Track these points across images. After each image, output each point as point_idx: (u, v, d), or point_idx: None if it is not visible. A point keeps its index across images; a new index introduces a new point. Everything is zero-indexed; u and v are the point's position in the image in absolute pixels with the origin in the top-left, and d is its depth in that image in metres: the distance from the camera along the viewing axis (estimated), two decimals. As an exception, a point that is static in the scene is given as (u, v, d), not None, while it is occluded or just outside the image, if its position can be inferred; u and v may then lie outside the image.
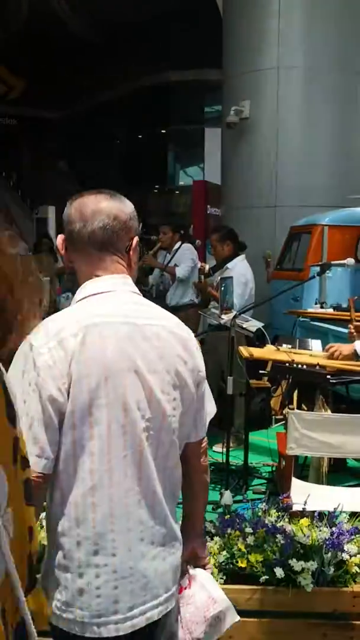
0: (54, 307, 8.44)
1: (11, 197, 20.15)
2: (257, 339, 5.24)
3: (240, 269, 5.14)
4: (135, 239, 1.62)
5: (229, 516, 2.74)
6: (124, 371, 1.45)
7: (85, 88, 21.75)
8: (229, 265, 5.19)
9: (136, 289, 1.60)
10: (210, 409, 1.72)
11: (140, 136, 22.20)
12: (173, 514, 1.55)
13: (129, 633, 1.44)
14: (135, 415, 1.46)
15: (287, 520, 2.63)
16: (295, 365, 3.64)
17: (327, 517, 2.62)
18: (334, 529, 2.51)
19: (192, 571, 1.67)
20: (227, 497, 3.88)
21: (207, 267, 5.48)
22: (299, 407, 3.92)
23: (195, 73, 18.82)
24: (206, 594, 1.64)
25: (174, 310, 6.05)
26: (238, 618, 1.71)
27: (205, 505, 1.80)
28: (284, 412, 4.41)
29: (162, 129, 21.02)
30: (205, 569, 1.72)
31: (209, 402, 1.71)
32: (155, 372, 1.49)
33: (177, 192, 21.94)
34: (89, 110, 22.60)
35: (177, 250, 5.86)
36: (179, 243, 5.99)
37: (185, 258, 5.94)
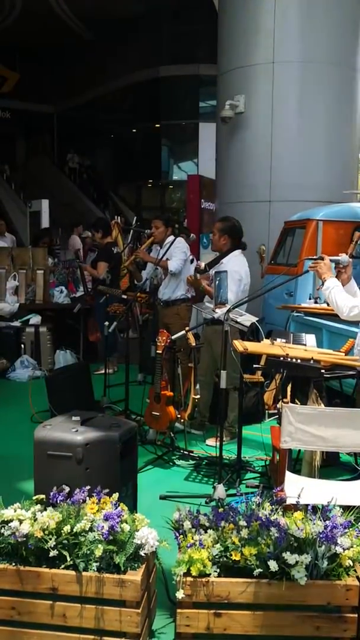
0: (48, 299, 8.44)
1: (4, 190, 20.06)
2: (252, 334, 5.24)
3: (234, 265, 5.06)
4: None
5: (222, 509, 2.73)
6: None
7: (80, 82, 21.67)
8: (223, 260, 5.17)
9: None
10: None
11: (134, 130, 22.11)
12: None
13: None
14: None
15: (280, 513, 2.63)
16: (289, 359, 3.63)
17: (320, 511, 2.62)
18: (327, 522, 2.51)
19: None
20: (221, 490, 3.89)
21: (202, 264, 5.45)
22: (293, 402, 3.92)
23: (190, 67, 18.75)
24: None
25: (167, 304, 6.05)
26: None
27: None
28: (277, 406, 4.42)
29: (156, 123, 20.93)
30: None
31: None
32: None
33: (170, 186, 21.89)
34: (83, 105, 22.52)
35: (169, 244, 5.84)
36: (171, 237, 5.96)
37: (177, 252, 5.92)
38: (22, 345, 7.75)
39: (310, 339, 4.38)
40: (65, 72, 21.73)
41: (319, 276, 3.68)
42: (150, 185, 22.69)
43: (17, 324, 7.88)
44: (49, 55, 20.70)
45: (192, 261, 6.29)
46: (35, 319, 7.97)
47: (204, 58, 16.65)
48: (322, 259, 3.63)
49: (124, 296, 6.33)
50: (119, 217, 9.85)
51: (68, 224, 14.00)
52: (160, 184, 21.95)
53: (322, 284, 3.67)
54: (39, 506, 2.66)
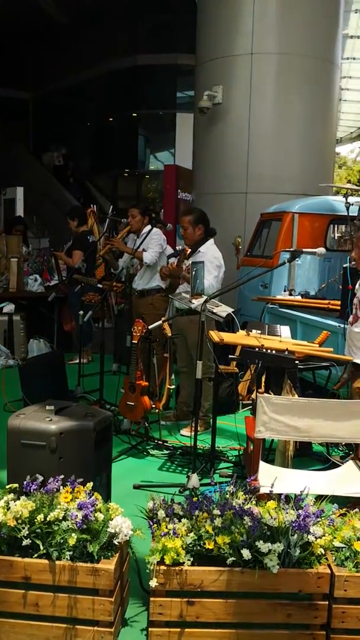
0: (22, 288, 8.35)
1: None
2: (226, 325, 5.25)
3: (213, 252, 5.17)
4: None
5: (196, 498, 2.74)
6: None
7: (57, 69, 21.39)
8: (201, 249, 5.17)
9: None
10: None
11: (111, 119, 21.92)
12: None
13: None
14: None
15: (254, 502, 2.65)
16: (265, 350, 3.66)
17: (293, 500, 2.64)
18: (300, 511, 2.54)
19: None
20: (194, 480, 3.90)
21: (189, 251, 5.41)
22: (267, 392, 3.95)
23: (168, 57, 18.62)
24: None
25: (141, 295, 6.03)
26: None
27: None
28: (252, 396, 4.44)
29: (133, 112, 20.78)
30: None
31: None
32: None
33: (147, 176, 21.79)
34: (59, 92, 22.25)
35: (146, 234, 5.80)
36: (148, 227, 5.91)
37: (153, 243, 5.87)
38: (-5, 334, 7.68)
39: (284, 330, 4.41)
40: (42, 59, 21.44)
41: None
42: (126, 174, 22.54)
43: (-10, 312, 7.80)
44: (24, 41, 20.40)
45: (169, 257, 6.21)
46: (8, 307, 7.89)
47: (183, 47, 16.54)
48: (297, 252, 3.64)
49: (100, 285, 6.29)
50: (94, 206, 9.76)
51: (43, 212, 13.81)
52: (137, 174, 21.81)
53: None
54: (12, 495, 2.64)
